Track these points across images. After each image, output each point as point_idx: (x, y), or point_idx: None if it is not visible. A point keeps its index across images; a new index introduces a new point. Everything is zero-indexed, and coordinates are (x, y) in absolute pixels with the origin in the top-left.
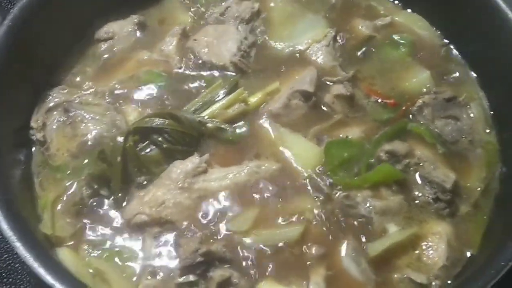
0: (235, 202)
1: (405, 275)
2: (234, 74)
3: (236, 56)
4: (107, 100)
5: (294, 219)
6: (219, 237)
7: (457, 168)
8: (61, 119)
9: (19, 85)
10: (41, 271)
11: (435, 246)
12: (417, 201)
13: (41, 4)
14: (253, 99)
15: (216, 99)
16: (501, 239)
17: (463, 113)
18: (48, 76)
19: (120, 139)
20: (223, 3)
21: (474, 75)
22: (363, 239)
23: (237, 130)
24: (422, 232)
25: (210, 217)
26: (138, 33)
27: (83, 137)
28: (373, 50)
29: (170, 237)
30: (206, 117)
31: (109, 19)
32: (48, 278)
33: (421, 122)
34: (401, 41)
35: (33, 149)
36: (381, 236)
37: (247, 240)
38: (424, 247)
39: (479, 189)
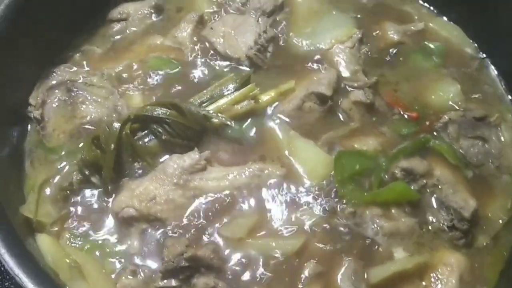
0: (232, 206)
1: None
2: (248, 69)
3: (252, 49)
4: (113, 84)
5: (293, 231)
6: (209, 242)
7: (479, 195)
8: (62, 98)
9: (22, 59)
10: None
11: (445, 279)
12: (430, 227)
13: None
14: (265, 97)
15: (225, 93)
16: None
17: (492, 135)
18: (54, 53)
19: (117, 125)
20: None
21: (510, 97)
22: (366, 262)
23: (243, 129)
24: (433, 261)
25: (202, 219)
26: (153, 17)
27: (81, 120)
28: (401, 59)
29: (157, 235)
30: (211, 111)
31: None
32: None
33: (445, 140)
34: (433, 50)
35: (29, 127)
36: (386, 261)
37: (240, 249)
38: (432, 279)
39: (501, 221)
